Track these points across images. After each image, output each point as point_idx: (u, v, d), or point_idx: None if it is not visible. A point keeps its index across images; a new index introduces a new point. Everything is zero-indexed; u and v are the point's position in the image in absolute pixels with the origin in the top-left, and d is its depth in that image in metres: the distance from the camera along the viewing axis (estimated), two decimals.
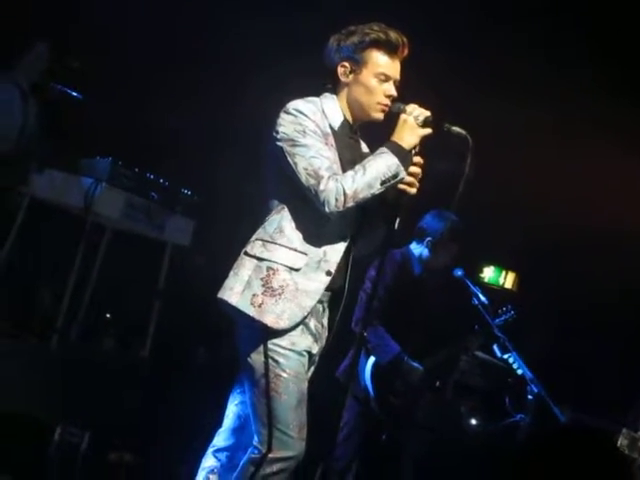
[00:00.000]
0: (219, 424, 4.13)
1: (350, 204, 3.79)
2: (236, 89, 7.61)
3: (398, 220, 3.94)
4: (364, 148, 4.16)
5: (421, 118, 3.89)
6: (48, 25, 7.08)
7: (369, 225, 4.05)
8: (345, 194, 3.76)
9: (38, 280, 7.20)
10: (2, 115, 6.77)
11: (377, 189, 3.81)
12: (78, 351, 6.71)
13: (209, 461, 4.08)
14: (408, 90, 4.03)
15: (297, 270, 3.84)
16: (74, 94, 6.71)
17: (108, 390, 6.33)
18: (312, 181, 3.79)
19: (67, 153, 6.83)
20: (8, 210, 6.66)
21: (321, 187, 3.77)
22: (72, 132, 6.99)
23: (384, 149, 3.86)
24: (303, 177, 3.80)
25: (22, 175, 6.62)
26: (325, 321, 4.03)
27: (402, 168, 3.84)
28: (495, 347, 6.51)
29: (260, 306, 3.80)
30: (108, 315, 7.45)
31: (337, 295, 4.00)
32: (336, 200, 3.77)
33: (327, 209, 3.79)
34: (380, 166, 3.81)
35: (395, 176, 3.83)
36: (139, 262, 7.51)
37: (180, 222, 7.21)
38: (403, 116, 3.91)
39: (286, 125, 3.88)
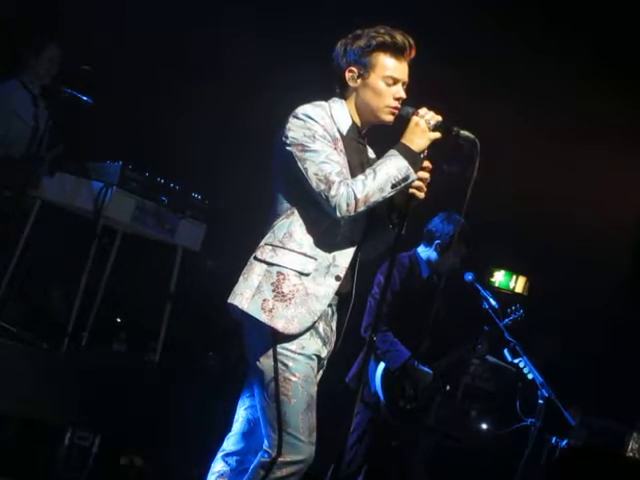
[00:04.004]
0: (229, 428, 4.13)
1: (361, 209, 3.79)
2: (247, 93, 7.62)
3: (406, 225, 3.93)
4: (370, 153, 4.15)
5: (433, 122, 3.88)
6: (59, 29, 7.11)
7: (376, 229, 4.04)
8: (356, 199, 3.76)
9: (49, 284, 7.21)
10: (13, 119, 6.80)
11: (388, 192, 3.80)
12: (89, 355, 6.71)
13: (219, 465, 4.08)
14: (412, 92, 4.03)
15: (307, 275, 3.84)
16: (85, 98, 6.71)
17: (118, 394, 6.33)
18: (323, 186, 3.78)
19: (78, 157, 6.84)
20: (19, 214, 6.67)
21: (332, 192, 3.76)
22: (83, 136, 7.00)
23: (394, 151, 3.85)
24: (314, 182, 3.80)
25: (33, 179, 6.63)
26: (334, 325, 4.03)
27: (412, 171, 3.83)
28: (506, 351, 6.51)
29: (271, 311, 3.80)
30: (119, 319, 7.46)
31: (345, 299, 4.00)
32: (347, 205, 3.76)
33: (338, 214, 3.78)
34: (390, 169, 3.80)
35: (405, 179, 3.82)
36: (150, 266, 7.52)
37: (191, 226, 7.21)
38: (415, 119, 3.89)
39: (295, 130, 3.87)
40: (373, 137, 4.15)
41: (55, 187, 6.68)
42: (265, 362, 3.83)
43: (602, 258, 7.84)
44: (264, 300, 3.81)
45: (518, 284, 8.25)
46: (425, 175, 3.90)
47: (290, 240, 3.86)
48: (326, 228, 3.87)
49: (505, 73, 7.67)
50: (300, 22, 7.50)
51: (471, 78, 7.60)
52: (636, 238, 7.93)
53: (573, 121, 7.59)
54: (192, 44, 7.67)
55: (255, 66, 7.60)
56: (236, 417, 4.10)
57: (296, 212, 3.89)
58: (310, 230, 3.87)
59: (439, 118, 3.90)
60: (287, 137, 3.87)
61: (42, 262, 6.98)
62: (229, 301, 3.90)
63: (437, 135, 3.89)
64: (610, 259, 7.83)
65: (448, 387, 6.44)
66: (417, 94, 4.03)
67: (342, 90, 4.04)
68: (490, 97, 7.45)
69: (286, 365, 3.81)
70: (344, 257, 3.90)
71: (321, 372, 4.05)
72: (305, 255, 3.85)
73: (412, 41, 3.98)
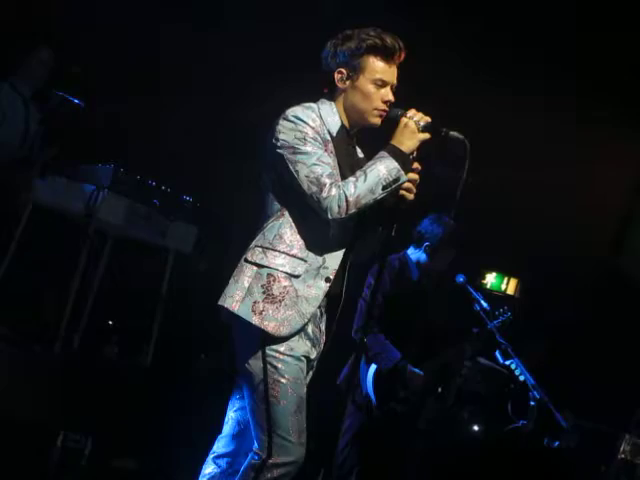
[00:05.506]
0: (219, 430, 4.13)
1: (352, 211, 3.79)
2: (237, 95, 7.62)
3: (395, 226, 3.94)
4: (360, 154, 4.16)
5: (422, 123, 3.88)
6: (49, 31, 7.11)
7: (366, 231, 4.04)
8: (347, 201, 3.76)
9: (41, 287, 7.21)
10: (4, 122, 6.79)
11: (379, 194, 3.81)
12: (81, 358, 6.72)
13: (209, 468, 4.07)
14: (403, 92, 4.03)
15: (297, 277, 3.83)
16: (76, 101, 6.72)
17: (110, 396, 6.34)
18: (314, 188, 3.78)
19: (69, 160, 6.84)
20: (10, 217, 6.67)
21: (324, 194, 3.76)
22: (74, 139, 7.00)
23: (384, 153, 3.85)
24: (305, 185, 3.80)
25: (24, 182, 6.63)
26: (323, 326, 4.02)
27: (403, 172, 3.83)
28: (497, 353, 6.52)
29: (261, 313, 3.79)
30: (110, 322, 7.45)
31: (334, 300, 3.99)
32: (339, 207, 3.76)
33: (330, 216, 3.78)
34: (381, 170, 3.80)
35: (396, 180, 3.82)
36: (141, 269, 7.52)
37: (182, 229, 7.22)
38: (404, 120, 3.89)
39: (286, 132, 3.86)
40: (362, 138, 4.15)
41: (46, 190, 6.69)
42: (254, 364, 3.83)
43: (596, 260, 7.86)
44: (254, 302, 3.81)
45: (510, 286, 8.26)
46: (415, 176, 3.91)
47: (280, 242, 3.86)
48: (316, 230, 3.87)
49: (504, 72, 7.67)
50: (295, 23, 7.50)
51: (470, 79, 7.61)
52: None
53: (570, 121, 7.59)
54: (186, 46, 7.67)
55: (248, 68, 7.59)
56: (226, 419, 4.10)
57: (286, 214, 3.89)
58: (300, 232, 3.87)
59: (428, 119, 3.90)
60: (277, 139, 3.87)
61: (34, 265, 6.98)
62: (219, 303, 3.89)
63: (426, 136, 3.88)
64: (605, 262, 7.85)
65: (440, 389, 6.44)
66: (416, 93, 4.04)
67: (331, 91, 4.03)
68: (490, 100, 7.46)
69: (275, 367, 3.81)
70: (334, 259, 3.90)
71: (311, 373, 4.05)
72: (295, 257, 3.85)
73: (402, 44, 3.98)
